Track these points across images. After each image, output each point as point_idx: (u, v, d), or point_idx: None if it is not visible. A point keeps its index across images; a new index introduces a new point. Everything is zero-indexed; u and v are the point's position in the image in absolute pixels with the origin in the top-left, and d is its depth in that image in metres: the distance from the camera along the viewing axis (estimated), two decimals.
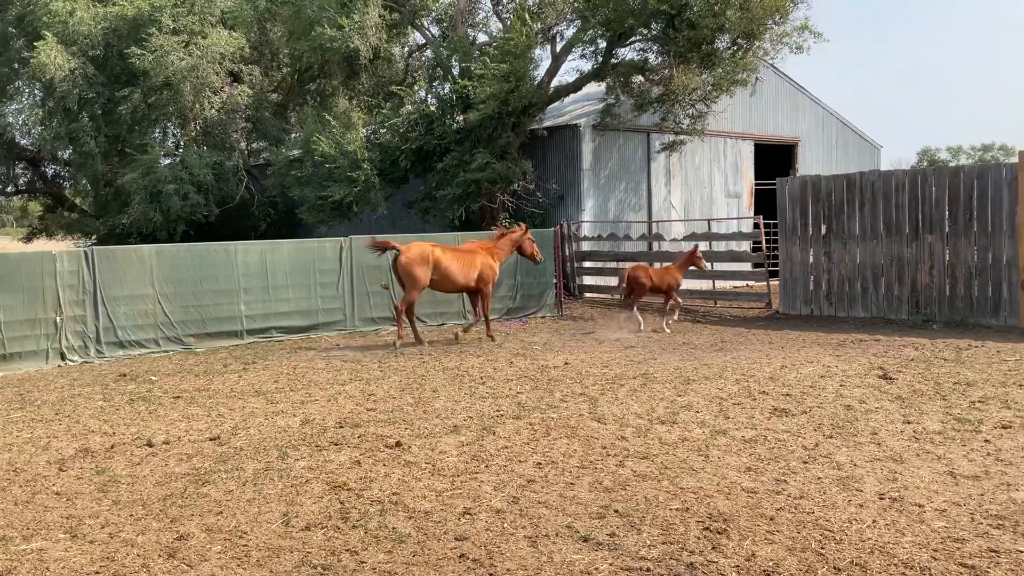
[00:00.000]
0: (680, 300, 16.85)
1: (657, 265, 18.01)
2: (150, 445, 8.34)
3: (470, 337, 15.23)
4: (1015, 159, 14.90)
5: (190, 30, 23.30)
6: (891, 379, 10.42)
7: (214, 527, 6.04)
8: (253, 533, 5.89)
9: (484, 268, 15.01)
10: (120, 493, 6.88)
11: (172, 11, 23.34)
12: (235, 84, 25.20)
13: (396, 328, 14.82)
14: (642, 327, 15.88)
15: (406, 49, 26.94)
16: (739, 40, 19.82)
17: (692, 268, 16.47)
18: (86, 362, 14.12)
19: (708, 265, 17.23)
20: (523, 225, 16.62)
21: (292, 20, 22.36)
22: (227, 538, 5.83)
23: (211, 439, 8.48)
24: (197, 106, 23.52)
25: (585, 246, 22.01)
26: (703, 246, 20.00)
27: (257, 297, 15.98)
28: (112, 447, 8.35)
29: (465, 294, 16.19)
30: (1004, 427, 8.00)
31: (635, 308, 16.19)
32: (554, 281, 19.25)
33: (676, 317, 16.59)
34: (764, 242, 18.84)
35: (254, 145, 27.48)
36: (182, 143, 26.63)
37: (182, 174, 23.09)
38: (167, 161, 24.97)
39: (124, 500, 6.70)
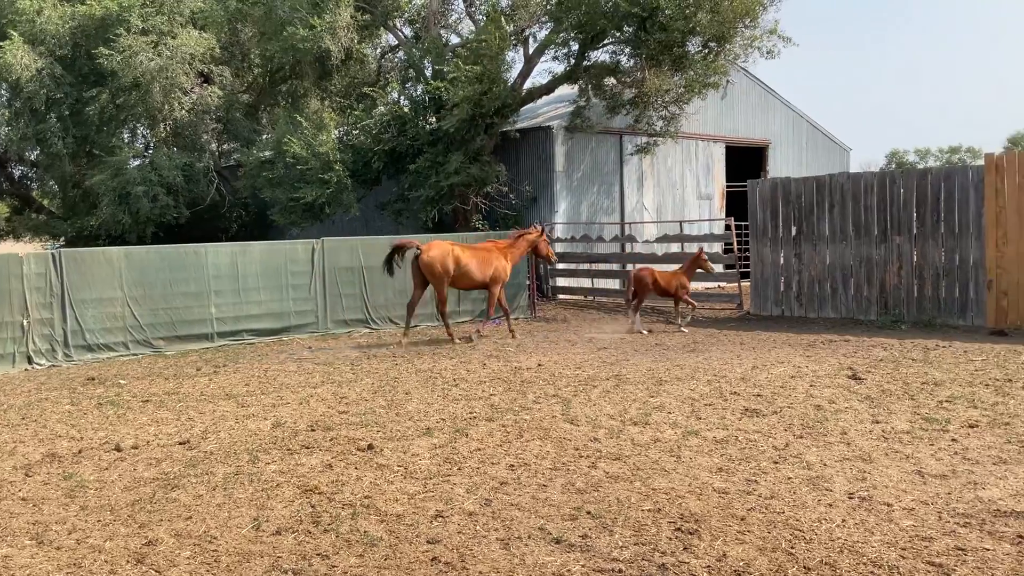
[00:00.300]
0: (695, 303, 16.77)
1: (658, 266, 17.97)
2: (118, 449, 8.24)
3: (488, 332, 16.02)
4: (982, 161, 15.13)
5: (159, 30, 23.06)
6: (860, 379, 10.53)
7: (183, 532, 5.98)
8: (223, 538, 5.84)
9: (497, 268, 15.55)
10: (88, 498, 6.79)
11: (141, 11, 23.08)
12: (205, 85, 24.98)
13: (367, 331, 14.79)
14: (635, 327, 15.87)
15: (379, 50, 26.83)
16: (710, 43, 19.97)
17: (699, 271, 16.47)
18: (54, 366, 13.94)
19: (715, 267, 17.04)
20: (539, 227, 16.96)
21: (263, 20, 22.21)
22: (196, 543, 5.77)
23: (181, 443, 8.40)
24: (167, 107, 23.30)
25: (558, 248, 22.04)
26: (674, 248, 20.14)
27: (228, 299, 15.85)
28: (80, 452, 8.24)
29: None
30: (971, 426, 8.11)
31: (636, 312, 16.15)
32: (527, 283, 19.27)
33: (689, 319, 16.47)
34: (735, 243, 18.98)
35: (225, 146, 27.26)
36: (151, 144, 26.36)
37: (151, 176, 22.85)
38: (136, 162, 24.69)
39: (92, 505, 6.62)
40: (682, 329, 15.81)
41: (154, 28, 23.10)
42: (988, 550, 5.22)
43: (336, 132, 22.04)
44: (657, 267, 16.85)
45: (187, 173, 23.80)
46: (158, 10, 23.57)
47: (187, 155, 24.29)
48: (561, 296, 21.74)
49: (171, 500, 6.66)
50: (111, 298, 14.66)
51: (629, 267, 20.97)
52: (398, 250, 15.12)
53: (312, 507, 6.36)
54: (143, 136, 27.65)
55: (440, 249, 15.00)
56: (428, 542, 5.63)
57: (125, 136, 26.51)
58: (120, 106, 23.73)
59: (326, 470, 7.30)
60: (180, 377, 12.44)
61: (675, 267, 16.84)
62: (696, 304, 17.15)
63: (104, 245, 21.91)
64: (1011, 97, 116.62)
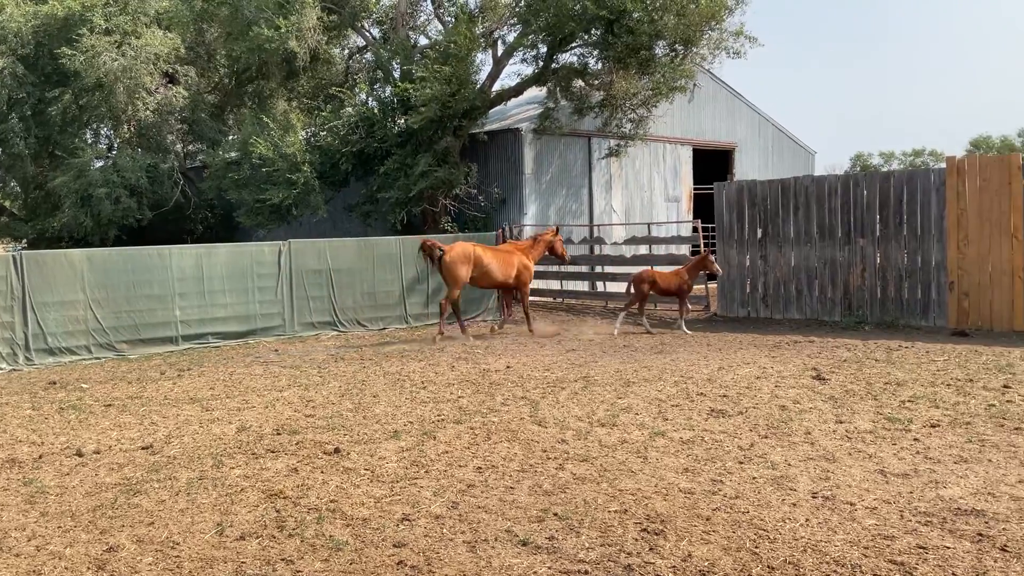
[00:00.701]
0: (690, 306, 16.78)
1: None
2: (80, 455, 8.12)
3: (505, 330, 16.47)
4: (944, 164, 15.36)
5: (123, 30, 22.77)
6: (824, 380, 10.65)
7: (145, 538, 5.90)
8: (186, 544, 5.77)
9: (520, 267, 16.07)
10: (48, 504, 6.68)
11: (104, 10, 22.78)
12: (170, 85, 24.71)
13: (335, 333, 14.74)
14: (645, 328, 15.94)
15: (346, 51, 26.72)
16: (676, 46, 20.11)
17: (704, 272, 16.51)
18: (14, 370, 13.70)
19: (720, 269, 17.06)
20: (554, 228, 17.45)
21: (229, 21, 22.01)
22: (159, 549, 5.69)
23: (143, 448, 8.29)
24: (131, 107, 23.00)
25: None
26: (642, 249, 20.24)
27: (192, 302, 15.69)
28: (40, 457, 8.11)
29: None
30: (933, 426, 8.22)
31: (643, 313, 16.22)
32: None
33: (683, 320, 16.41)
34: (703, 245, 19.10)
35: (190, 147, 26.96)
36: (115, 145, 26.02)
37: (113, 177, 22.55)
38: (99, 164, 24.36)
39: (52, 511, 6.51)
40: (684, 330, 15.82)
41: (118, 28, 22.80)
42: (949, 548, 5.29)
43: (303, 133, 21.90)
44: (632, 268, 16.94)
45: (151, 174, 23.51)
46: (122, 10, 23.27)
47: (151, 156, 24.00)
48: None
49: (133, 506, 6.57)
50: (73, 301, 14.45)
51: (599, 269, 21.06)
52: (425, 248, 15.71)
53: (277, 512, 6.30)
54: (107, 137, 27.30)
55: (461, 250, 15.51)
56: (394, 546, 5.60)
57: (88, 137, 26.14)
58: (83, 106, 23.40)
59: (291, 474, 7.24)
60: (143, 381, 12.28)
61: (672, 268, 16.88)
62: (691, 308, 17.28)
63: (66, 247, 21.59)
64: (974, 101, 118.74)
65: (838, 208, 16.34)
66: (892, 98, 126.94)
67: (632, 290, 16.20)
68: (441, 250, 15.50)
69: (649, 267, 17.12)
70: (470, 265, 15.43)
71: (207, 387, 11.57)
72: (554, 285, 22.05)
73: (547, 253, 16.98)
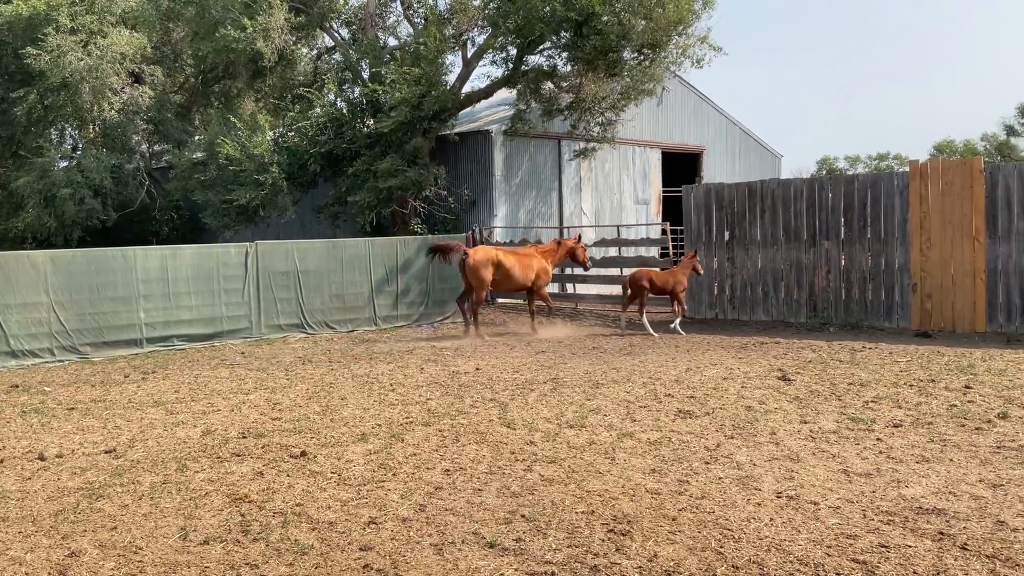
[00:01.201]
0: (685, 306, 16.83)
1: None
2: (42, 459, 7.99)
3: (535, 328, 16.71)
4: (908, 168, 15.58)
5: (89, 29, 22.50)
6: (790, 380, 10.75)
7: (108, 543, 5.82)
8: (148, 548, 5.70)
9: (540, 271, 16.54)
10: (9, 509, 6.57)
11: (70, 10, 22.50)
12: (136, 85, 24.45)
13: (303, 335, 14.65)
14: (648, 329, 15.97)
15: (315, 51, 26.57)
16: (644, 50, 20.21)
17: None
18: None
19: (702, 269, 17.19)
20: (577, 236, 17.92)
21: (196, 20, 21.81)
22: (121, 554, 5.62)
23: (107, 452, 8.18)
24: (96, 108, 22.74)
25: None
26: (612, 252, 20.32)
27: (157, 304, 15.50)
28: (2, 461, 7.97)
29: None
30: (895, 426, 8.33)
31: (643, 314, 16.20)
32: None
33: (679, 320, 16.45)
34: (671, 248, 19.22)
35: (156, 148, 26.70)
36: (80, 145, 25.69)
37: (77, 177, 22.27)
38: (63, 164, 24.05)
39: (13, 516, 6.40)
40: (678, 330, 15.95)
41: (83, 27, 22.53)
42: (910, 547, 5.36)
43: (271, 133, 21.75)
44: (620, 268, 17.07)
45: (116, 175, 23.25)
46: (88, 9, 23.00)
47: (116, 156, 23.74)
48: (500, 300, 21.74)
49: (95, 510, 6.48)
50: (36, 303, 14.22)
51: (568, 271, 21.07)
52: (441, 250, 16.29)
53: (242, 516, 6.24)
54: (71, 137, 26.97)
55: (484, 254, 16.03)
56: (360, 549, 5.58)
57: (53, 137, 25.79)
58: (48, 106, 23.10)
59: (257, 478, 7.18)
60: (107, 384, 12.12)
61: (661, 269, 17.05)
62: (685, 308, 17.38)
63: (30, 248, 21.26)
64: (938, 105, 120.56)
65: (804, 211, 16.51)
66: (859, 102, 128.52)
67: (630, 290, 16.28)
68: (465, 253, 16.03)
69: (644, 267, 17.29)
70: (493, 268, 15.91)
71: (172, 390, 11.44)
72: None
73: (569, 259, 17.37)
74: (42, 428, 9.38)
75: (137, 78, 24.54)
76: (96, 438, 8.80)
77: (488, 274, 15.89)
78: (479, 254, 15.97)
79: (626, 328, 16.29)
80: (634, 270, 17.00)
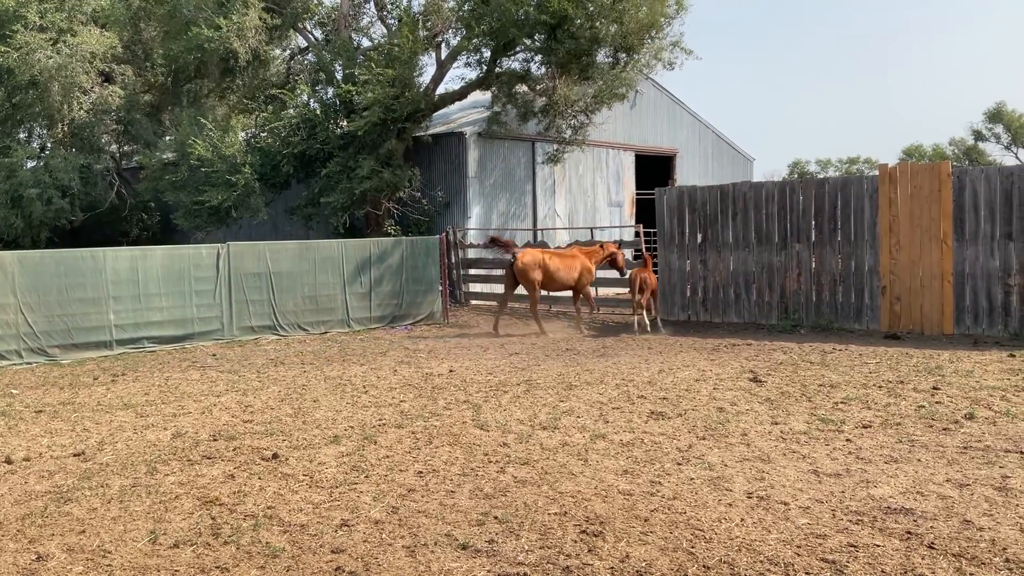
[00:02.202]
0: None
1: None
2: (9, 462, 7.88)
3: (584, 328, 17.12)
4: (877, 172, 15.76)
5: (58, 27, 22.24)
6: (761, 382, 10.84)
7: (76, 547, 5.75)
8: (117, 552, 5.64)
9: (583, 271, 16.98)
10: None
11: (39, 7, 22.22)
12: (106, 84, 24.18)
13: (275, 337, 14.56)
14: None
15: (288, 52, 26.42)
16: (618, 53, 20.31)
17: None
18: None
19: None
20: (617, 242, 18.55)
21: (167, 19, 21.62)
22: (89, 558, 5.56)
23: (75, 455, 8.08)
24: (65, 107, 22.47)
25: (471, 253, 22.07)
26: None
27: (127, 306, 15.33)
28: None
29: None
30: (865, 427, 8.42)
31: (650, 311, 16.89)
32: (440, 288, 19.23)
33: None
34: (645, 250, 19.29)
35: (126, 148, 26.42)
36: (48, 145, 25.37)
37: (45, 178, 22.00)
38: (31, 164, 23.74)
39: None
40: (661, 330, 16.57)
41: (53, 25, 22.27)
42: (879, 546, 5.42)
43: (243, 134, 21.59)
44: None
45: (84, 175, 22.99)
46: (58, 7, 22.72)
47: (85, 156, 23.47)
48: (474, 302, 21.75)
49: (64, 514, 6.40)
50: (3, 304, 14.01)
51: None
52: (500, 244, 17.34)
53: (212, 519, 6.19)
54: (39, 136, 26.62)
55: (532, 257, 16.57)
56: (332, 552, 5.55)
57: (21, 136, 25.45)
58: (16, 105, 22.80)
59: (228, 480, 7.12)
60: (76, 386, 11.97)
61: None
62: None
63: None
64: (908, 110, 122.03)
65: (775, 214, 16.65)
66: (830, 106, 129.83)
67: (638, 289, 16.57)
68: (514, 255, 16.65)
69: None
70: (541, 270, 16.47)
71: (142, 392, 11.32)
72: (498, 289, 22.06)
73: (608, 264, 17.71)
74: (9, 431, 9.25)
75: (107, 77, 24.28)
76: (64, 441, 8.70)
77: (537, 275, 16.47)
78: (527, 257, 16.55)
79: (639, 332, 16.43)
80: (636, 268, 17.27)
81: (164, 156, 22.08)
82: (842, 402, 9.57)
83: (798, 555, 5.31)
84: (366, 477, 7.11)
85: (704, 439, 8.07)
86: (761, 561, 5.22)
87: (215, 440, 8.50)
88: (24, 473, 7.53)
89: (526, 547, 5.52)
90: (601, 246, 17.63)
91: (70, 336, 14.68)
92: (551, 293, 18.13)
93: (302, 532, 5.90)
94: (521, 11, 19.17)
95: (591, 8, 19.07)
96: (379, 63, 20.15)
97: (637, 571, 5.13)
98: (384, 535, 5.81)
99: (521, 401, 10.03)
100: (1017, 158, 55.76)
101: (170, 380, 12.26)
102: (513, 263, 16.64)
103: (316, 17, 24.47)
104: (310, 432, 8.74)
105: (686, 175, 29.70)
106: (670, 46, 20.61)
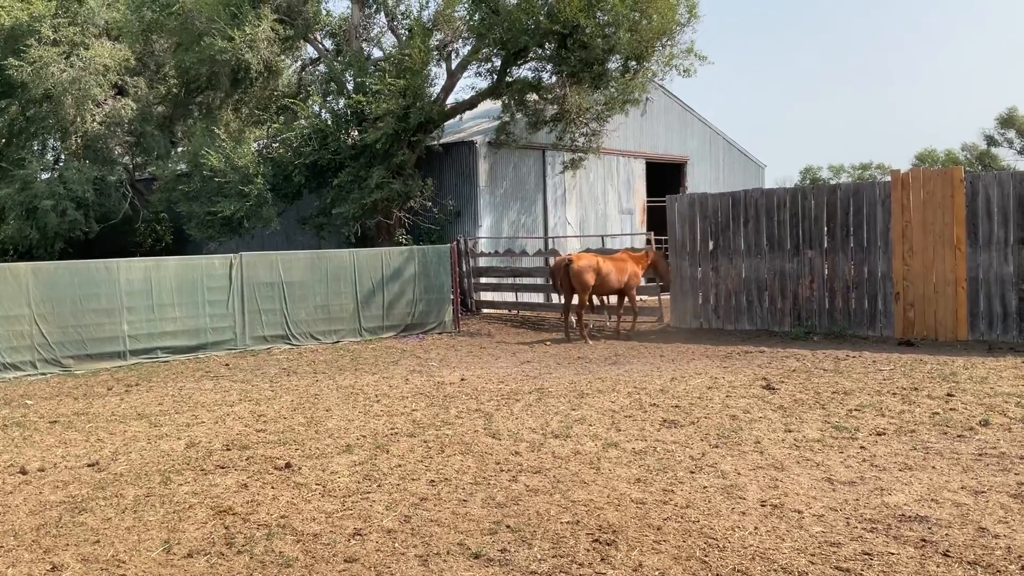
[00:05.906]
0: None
1: None
2: (24, 472, 7.93)
3: (626, 329, 17.71)
4: (890, 178, 15.71)
5: (71, 41, 22.42)
6: (774, 389, 10.80)
7: (90, 557, 5.78)
8: (132, 562, 5.66)
9: (631, 275, 17.32)
10: None
11: (52, 21, 22.40)
12: (119, 97, 24.35)
13: (288, 347, 14.60)
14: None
15: (299, 62, 26.54)
16: (629, 61, 20.31)
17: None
18: None
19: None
20: (664, 250, 18.77)
21: (179, 31, 21.72)
22: (104, 568, 5.58)
23: (89, 465, 8.12)
24: (79, 119, 22.63)
25: (482, 262, 22.09)
26: None
27: (141, 316, 15.41)
28: None
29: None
30: (879, 434, 8.38)
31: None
32: (451, 297, 19.24)
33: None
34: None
35: (139, 159, 26.58)
36: (62, 157, 25.58)
37: (59, 189, 22.15)
38: (46, 176, 23.94)
39: None
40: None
41: (66, 39, 22.45)
42: (893, 554, 5.39)
43: (255, 145, 21.70)
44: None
45: (98, 187, 23.15)
46: (71, 21, 22.91)
47: (99, 168, 23.62)
48: (485, 310, 21.75)
49: (78, 524, 6.44)
50: (18, 315, 14.11)
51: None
52: (560, 262, 17.29)
53: (226, 528, 6.21)
54: (53, 149, 26.83)
55: (587, 261, 16.84)
56: (345, 561, 5.56)
57: (35, 149, 25.67)
58: (31, 118, 22.99)
59: (241, 490, 7.14)
60: (90, 397, 12.04)
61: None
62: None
63: (11, 260, 21.12)
64: (920, 115, 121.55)
65: (787, 220, 16.62)
66: (842, 112, 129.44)
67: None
68: (570, 260, 16.84)
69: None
70: (595, 274, 16.64)
71: (155, 403, 11.38)
72: (509, 297, 22.09)
73: (652, 270, 17.99)
74: (24, 442, 9.30)
75: (120, 89, 24.45)
76: (79, 451, 8.74)
77: (591, 278, 16.63)
78: (583, 260, 16.77)
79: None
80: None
81: (177, 167, 22.20)
82: (856, 409, 9.52)
83: (812, 563, 5.28)
84: (378, 486, 7.12)
85: (717, 447, 8.05)
86: (775, 570, 5.20)
87: (228, 450, 8.53)
88: (39, 483, 7.58)
89: (539, 556, 5.52)
90: (647, 253, 17.91)
91: (84, 347, 14.77)
92: (599, 296, 18.33)
93: (315, 541, 5.91)
94: (531, 20, 19.18)
95: (602, 17, 19.08)
96: (390, 73, 20.22)
97: None
98: (397, 544, 5.81)
99: (533, 409, 10.02)
100: None
101: (183, 390, 12.32)
102: (568, 266, 16.79)
103: (327, 28, 24.57)
104: (323, 441, 8.76)
105: (697, 182, 29.66)
106: (684, 53, 20.60)
